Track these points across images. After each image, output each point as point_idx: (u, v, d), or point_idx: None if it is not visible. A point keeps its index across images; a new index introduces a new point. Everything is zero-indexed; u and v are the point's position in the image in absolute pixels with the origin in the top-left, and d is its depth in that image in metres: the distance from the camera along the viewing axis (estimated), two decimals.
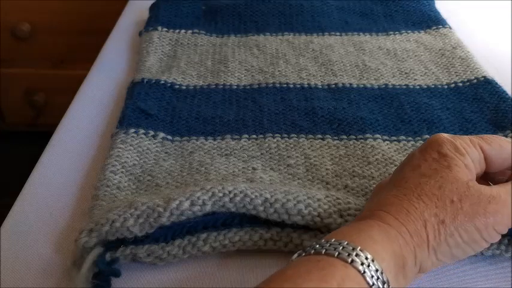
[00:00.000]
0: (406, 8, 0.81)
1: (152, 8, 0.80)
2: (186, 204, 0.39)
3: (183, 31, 0.75)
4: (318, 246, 0.33)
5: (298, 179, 0.48)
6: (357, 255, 0.31)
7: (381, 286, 0.31)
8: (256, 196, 0.41)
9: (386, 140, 0.53)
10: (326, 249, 0.32)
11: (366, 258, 0.31)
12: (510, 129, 0.54)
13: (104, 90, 0.65)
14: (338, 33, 0.75)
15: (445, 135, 0.40)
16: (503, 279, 0.40)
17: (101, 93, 0.64)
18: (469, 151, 0.39)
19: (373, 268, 0.31)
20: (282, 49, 0.70)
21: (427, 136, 0.53)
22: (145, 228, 0.39)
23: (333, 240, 0.33)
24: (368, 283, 0.31)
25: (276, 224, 0.42)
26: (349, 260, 0.31)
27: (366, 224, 0.35)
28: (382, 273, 0.31)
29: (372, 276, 0.31)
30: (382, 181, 0.44)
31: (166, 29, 0.74)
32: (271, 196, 0.41)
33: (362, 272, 0.31)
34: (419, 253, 0.35)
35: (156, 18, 0.76)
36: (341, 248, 0.32)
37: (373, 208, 0.37)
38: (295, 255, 0.34)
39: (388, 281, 0.32)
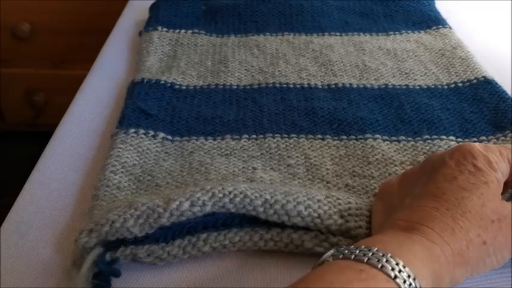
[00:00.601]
0: (406, 8, 0.81)
1: (152, 8, 0.80)
2: (186, 204, 0.39)
3: (183, 31, 0.75)
4: (358, 252, 0.32)
5: (299, 178, 0.48)
6: (399, 271, 0.31)
7: None
8: (256, 197, 0.41)
9: (386, 140, 0.53)
10: (369, 258, 0.31)
11: (409, 276, 0.31)
12: (510, 129, 0.54)
13: (104, 90, 0.65)
14: (338, 33, 0.75)
15: (477, 145, 0.40)
16: (503, 279, 0.40)
17: (101, 93, 0.64)
18: (500, 166, 0.39)
19: (414, 286, 0.31)
20: (282, 49, 0.70)
21: (427, 136, 0.53)
22: (145, 229, 0.39)
23: (375, 249, 0.32)
24: None
25: (276, 224, 0.42)
26: (393, 275, 0.30)
27: (408, 237, 0.34)
28: None
29: None
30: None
31: (166, 29, 0.74)
32: (271, 197, 0.41)
33: None
34: (458, 272, 0.35)
35: (156, 18, 0.76)
36: (385, 260, 0.31)
37: (411, 219, 0.36)
38: (329, 254, 0.33)
39: None
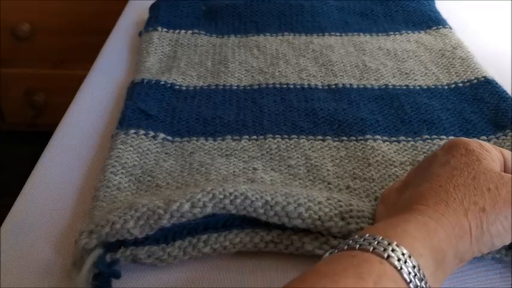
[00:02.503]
0: (406, 8, 0.81)
1: (152, 8, 0.80)
2: (187, 206, 0.39)
3: (183, 31, 0.75)
4: (351, 241, 0.32)
5: (300, 179, 0.48)
6: (393, 250, 0.30)
7: (418, 283, 0.30)
8: (256, 198, 0.41)
9: (386, 140, 0.53)
10: (360, 244, 0.31)
11: (403, 254, 0.30)
12: (510, 128, 0.54)
13: (104, 90, 0.65)
14: (338, 34, 0.75)
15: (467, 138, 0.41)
16: (503, 279, 0.40)
17: (101, 93, 0.64)
18: (492, 150, 0.39)
19: (410, 264, 0.30)
20: (282, 49, 0.70)
21: (427, 136, 0.54)
22: (146, 230, 0.39)
23: (366, 235, 0.32)
24: (405, 280, 0.30)
25: (277, 226, 0.42)
26: (385, 255, 0.30)
27: (402, 218, 0.34)
28: (419, 269, 0.31)
29: (409, 273, 0.30)
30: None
31: (166, 30, 0.74)
32: (272, 199, 0.41)
33: (399, 268, 0.30)
34: (461, 245, 0.34)
35: (156, 19, 0.76)
36: (376, 243, 0.31)
37: (407, 204, 0.36)
38: (327, 253, 0.33)
39: (425, 277, 0.31)
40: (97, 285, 0.37)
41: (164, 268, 0.41)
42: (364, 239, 0.32)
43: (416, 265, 0.31)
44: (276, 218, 0.41)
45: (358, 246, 0.31)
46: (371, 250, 0.31)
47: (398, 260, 0.30)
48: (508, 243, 0.37)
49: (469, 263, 0.41)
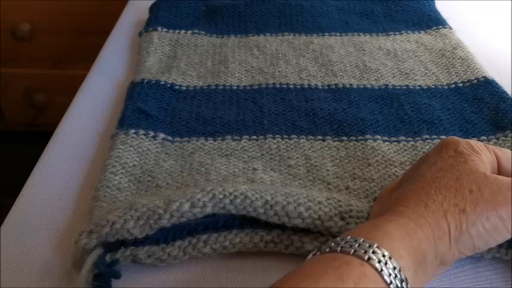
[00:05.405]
0: (406, 8, 0.81)
1: (152, 8, 0.80)
2: (187, 206, 0.39)
3: (183, 31, 0.75)
4: (333, 244, 0.32)
5: (299, 179, 0.48)
6: (373, 252, 0.31)
7: (399, 284, 0.30)
8: (256, 198, 0.41)
9: (386, 140, 0.53)
10: (342, 247, 0.31)
11: (383, 256, 0.31)
12: (510, 129, 0.54)
13: (104, 90, 0.65)
14: (338, 34, 0.75)
15: (460, 138, 0.40)
16: (503, 279, 0.40)
17: (101, 93, 0.64)
18: (484, 151, 0.39)
19: (391, 266, 0.30)
20: (282, 49, 0.70)
21: (427, 136, 0.54)
22: (146, 230, 0.39)
23: (348, 237, 0.32)
24: (385, 281, 0.30)
25: (277, 226, 0.42)
26: (366, 257, 0.30)
27: (383, 219, 0.35)
28: (400, 271, 0.31)
29: (390, 275, 0.30)
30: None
31: (166, 30, 0.74)
32: (272, 198, 0.41)
33: (379, 270, 0.30)
34: (440, 245, 0.34)
35: (156, 19, 0.76)
36: (357, 245, 0.31)
37: (391, 206, 0.37)
38: (310, 255, 0.33)
39: (406, 279, 0.31)
40: (97, 285, 0.37)
41: (164, 268, 0.41)
42: (346, 241, 0.32)
43: (396, 266, 0.31)
44: (276, 217, 0.41)
45: (339, 248, 0.31)
46: (352, 252, 0.31)
47: (379, 261, 0.30)
48: (492, 245, 0.37)
49: (469, 263, 0.41)
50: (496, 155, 0.40)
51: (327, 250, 0.32)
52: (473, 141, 0.40)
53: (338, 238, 0.33)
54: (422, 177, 0.38)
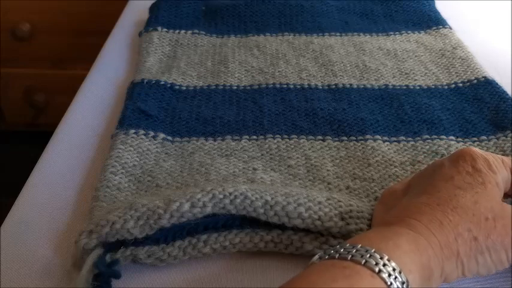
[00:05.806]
0: (406, 8, 0.81)
1: (152, 8, 0.80)
2: (187, 206, 0.39)
3: (183, 31, 0.75)
4: (343, 250, 0.32)
5: (299, 179, 0.48)
6: (384, 265, 0.31)
7: None
8: (256, 198, 0.41)
9: (386, 140, 0.53)
10: (352, 255, 0.31)
11: (394, 270, 0.31)
12: (510, 129, 0.54)
13: (104, 90, 0.65)
14: (338, 34, 0.75)
15: (478, 149, 0.40)
16: (503, 279, 0.40)
17: (101, 93, 0.64)
18: (500, 170, 0.39)
19: (400, 280, 0.30)
20: (282, 49, 0.70)
21: (427, 136, 0.54)
22: (146, 230, 0.39)
23: (359, 246, 0.32)
24: None
25: (277, 226, 0.42)
26: (377, 269, 0.30)
27: (394, 231, 0.34)
28: (408, 286, 0.31)
29: None
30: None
31: (166, 30, 0.74)
32: (272, 198, 0.41)
33: (389, 283, 0.30)
34: (447, 266, 0.34)
35: (156, 19, 0.76)
36: (368, 255, 0.31)
37: (401, 215, 0.36)
38: (317, 256, 0.33)
39: None
40: (97, 285, 0.37)
41: (164, 268, 0.41)
42: (357, 250, 0.32)
43: (405, 281, 0.31)
44: (276, 218, 0.41)
45: (350, 257, 0.31)
46: (363, 263, 0.31)
47: (389, 275, 0.30)
48: (492, 273, 0.37)
49: None
50: (511, 172, 0.40)
51: (336, 256, 0.32)
52: (490, 157, 0.39)
53: (348, 244, 0.33)
54: (438, 192, 0.37)
